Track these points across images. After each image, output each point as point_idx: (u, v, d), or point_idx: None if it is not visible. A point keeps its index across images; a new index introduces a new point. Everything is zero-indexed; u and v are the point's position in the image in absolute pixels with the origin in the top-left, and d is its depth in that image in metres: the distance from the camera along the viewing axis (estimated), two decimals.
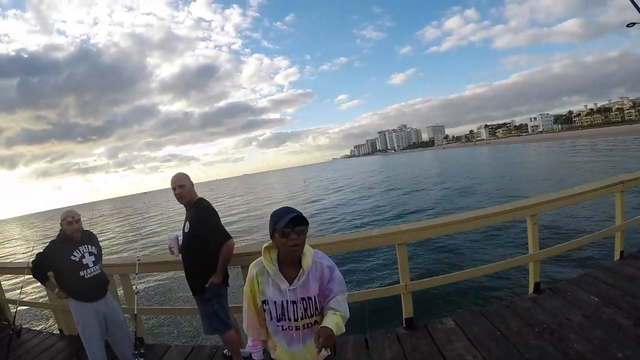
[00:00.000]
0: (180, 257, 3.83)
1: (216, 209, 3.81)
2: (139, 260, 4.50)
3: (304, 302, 2.09)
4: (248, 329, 2.26)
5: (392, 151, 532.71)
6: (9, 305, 6.05)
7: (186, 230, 3.69)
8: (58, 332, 5.38)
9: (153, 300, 10.15)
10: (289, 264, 2.10)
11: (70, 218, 3.86)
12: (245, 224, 24.97)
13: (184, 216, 3.84)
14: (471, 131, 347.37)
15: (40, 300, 8.07)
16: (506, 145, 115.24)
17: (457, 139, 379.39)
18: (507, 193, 21.14)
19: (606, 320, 3.58)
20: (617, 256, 5.03)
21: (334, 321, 2.00)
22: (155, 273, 11.37)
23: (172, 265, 4.33)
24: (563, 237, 9.40)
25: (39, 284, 4.11)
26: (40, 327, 8.33)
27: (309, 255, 2.13)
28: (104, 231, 36.35)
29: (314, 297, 2.11)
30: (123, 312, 4.38)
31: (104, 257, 4.30)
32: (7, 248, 39.53)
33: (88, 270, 3.85)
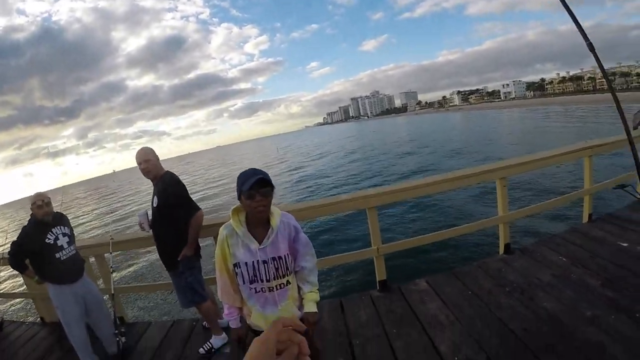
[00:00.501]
0: (151, 232, 3.79)
1: (184, 182, 3.76)
2: (112, 239, 4.47)
3: (275, 261, 2.12)
4: (222, 295, 2.25)
5: (365, 118, 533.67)
6: None
7: (155, 205, 3.64)
8: (40, 320, 5.30)
9: (130, 279, 10.09)
10: (258, 225, 2.13)
11: (39, 201, 3.77)
12: (223, 197, 24.75)
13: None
14: (444, 97, 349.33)
15: (18, 290, 7.97)
16: (479, 111, 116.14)
17: (430, 104, 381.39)
18: (479, 157, 21.48)
19: (575, 280, 3.68)
20: (585, 219, 5.15)
21: (313, 299, 2.24)
22: (131, 251, 11.25)
23: (145, 241, 4.24)
24: (533, 200, 9.63)
25: (14, 273, 3.98)
26: (21, 317, 8.09)
27: (276, 215, 2.16)
28: (80, 215, 35.52)
29: (284, 256, 2.15)
30: (101, 293, 4.35)
31: (79, 240, 4.26)
32: None
33: (63, 251, 3.80)
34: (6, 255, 3.84)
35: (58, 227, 3.86)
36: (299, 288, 2.29)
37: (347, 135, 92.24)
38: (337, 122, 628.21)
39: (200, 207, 3.77)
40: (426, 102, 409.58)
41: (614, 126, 28.78)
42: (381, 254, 4.31)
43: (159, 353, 3.93)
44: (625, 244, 4.23)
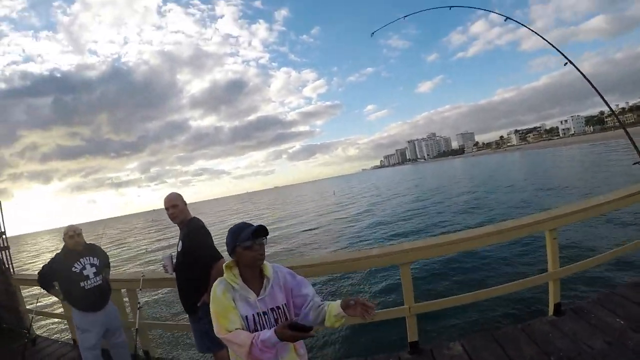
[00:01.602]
0: (174, 275, 3.84)
1: (209, 229, 3.78)
2: (143, 276, 4.63)
3: (274, 312, 2.13)
4: (239, 336, 1.95)
5: (422, 160, 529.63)
6: (28, 314, 6.31)
7: (179, 249, 3.71)
8: (72, 342, 5.56)
9: (159, 315, 10.16)
10: (252, 278, 2.16)
11: (71, 232, 4.16)
12: (271, 236, 24.71)
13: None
14: (501, 137, 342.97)
15: (57, 311, 8.09)
16: (537, 150, 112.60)
17: (487, 145, 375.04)
18: (534, 202, 20.28)
19: (632, 347, 3.20)
20: None
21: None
22: (163, 289, 11.34)
23: (175, 282, 4.18)
24: (586, 253, 8.69)
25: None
26: (55, 336, 8.38)
27: (269, 266, 2.23)
28: (131, 244, 37.00)
29: (282, 306, 2.16)
30: (128, 325, 4.69)
31: (115, 272, 4.66)
32: (39, 261, 40.07)
33: (89, 281, 4.08)
34: (37, 275, 4.22)
35: (87, 258, 4.20)
36: (318, 314, 2.19)
37: (403, 178, 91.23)
38: (394, 164, 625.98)
39: (222, 256, 3.69)
40: (483, 143, 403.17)
41: None
42: (413, 314, 3.98)
43: None
44: None
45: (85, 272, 4.08)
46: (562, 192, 21.40)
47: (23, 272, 5.51)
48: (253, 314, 2.07)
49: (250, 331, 2.02)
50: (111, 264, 4.68)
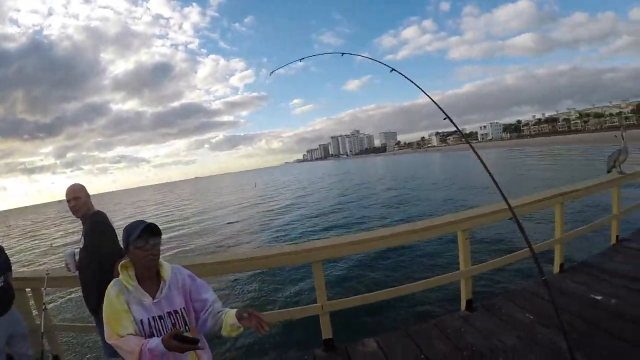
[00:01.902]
0: (77, 274, 3.56)
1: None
2: (47, 274, 4.16)
3: (171, 316, 2.02)
4: (127, 342, 1.87)
5: (345, 156, 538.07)
6: None
7: (81, 246, 3.46)
8: None
9: (70, 317, 9.39)
10: (148, 278, 2.05)
11: None
12: (192, 230, 24.12)
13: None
14: (422, 138, 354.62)
15: None
16: (457, 152, 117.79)
17: (408, 145, 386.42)
18: (452, 201, 20.98)
19: (541, 341, 3.27)
20: (556, 269, 4.82)
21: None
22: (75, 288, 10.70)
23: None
24: (500, 250, 9.05)
25: None
26: None
27: (166, 266, 2.12)
28: (44, 237, 34.70)
29: (180, 310, 2.05)
30: (34, 329, 4.22)
31: (15, 271, 4.21)
32: None
33: None
34: None
35: None
36: (216, 322, 2.07)
37: (326, 173, 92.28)
38: (316, 159, 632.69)
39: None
40: (405, 143, 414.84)
41: (587, 167, 29.04)
42: (326, 311, 3.87)
43: None
44: (598, 297, 3.86)
45: None
46: (483, 191, 22.25)
47: None
48: (148, 318, 1.96)
49: (146, 336, 1.92)
50: (25, 260, 4.23)
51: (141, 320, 1.95)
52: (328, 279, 3.96)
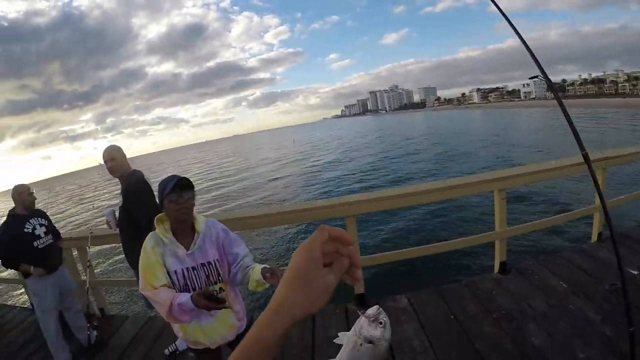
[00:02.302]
0: (118, 231, 3.70)
1: (150, 182, 3.58)
2: (91, 233, 4.44)
3: (205, 267, 2.08)
4: (159, 294, 1.95)
5: (383, 112, 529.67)
6: None
7: (120, 205, 3.56)
8: (30, 305, 5.19)
9: (113, 271, 10.00)
10: (183, 231, 2.10)
11: (30, 190, 3.94)
12: (234, 188, 24.52)
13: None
14: (463, 94, 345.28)
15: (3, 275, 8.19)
16: (498, 110, 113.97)
17: (448, 101, 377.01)
18: (495, 160, 20.51)
19: (573, 311, 3.23)
20: (594, 238, 4.65)
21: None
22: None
23: None
24: (537, 215, 8.83)
25: None
26: (10, 302, 8.19)
27: (201, 220, 2.16)
28: (89, 199, 36.16)
29: (214, 261, 2.11)
30: (81, 284, 4.49)
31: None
32: None
33: (40, 240, 3.83)
34: None
35: (35, 219, 3.89)
36: (245, 275, 2.11)
37: (364, 129, 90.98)
38: (354, 115, 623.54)
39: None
40: (445, 99, 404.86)
41: (636, 132, 27.64)
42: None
43: (128, 349, 3.89)
44: (635, 272, 3.70)
45: (36, 232, 3.83)
46: (529, 150, 21.58)
47: None
48: (182, 269, 2.03)
49: (180, 286, 2.03)
50: (73, 223, 4.43)
51: (175, 271, 2.03)
52: (360, 235, 3.97)
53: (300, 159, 37.71)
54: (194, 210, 2.15)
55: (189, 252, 2.04)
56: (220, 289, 2.11)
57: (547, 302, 3.39)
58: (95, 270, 4.57)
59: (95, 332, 4.01)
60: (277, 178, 25.48)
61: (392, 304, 3.76)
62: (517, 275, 3.98)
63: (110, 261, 10.98)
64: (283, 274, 1.73)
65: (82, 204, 34.61)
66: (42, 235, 3.87)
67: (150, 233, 2.12)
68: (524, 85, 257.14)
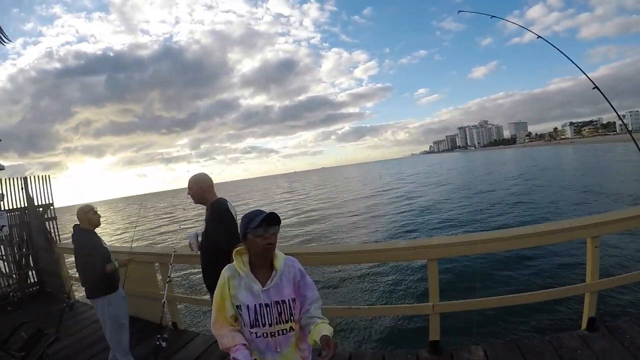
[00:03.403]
0: (199, 253, 3.80)
1: (234, 210, 3.68)
2: (175, 251, 4.70)
3: (278, 305, 2.04)
4: (224, 345, 2.03)
5: (472, 148, 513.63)
6: (69, 280, 6.81)
7: (203, 230, 3.70)
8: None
9: (188, 289, 10.46)
10: (262, 267, 2.09)
11: (95, 209, 4.07)
12: (315, 218, 24.99)
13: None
14: (555, 129, 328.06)
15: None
16: (592, 145, 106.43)
17: (540, 136, 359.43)
18: (585, 205, 18.64)
19: None
20: None
21: (328, 330, 1.94)
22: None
23: None
24: (630, 266, 8.04)
25: None
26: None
27: (280, 257, 2.12)
28: (176, 218, 38.23)
29: (288, 300, 2.06)
30: (158, 297, 4.76)
31: (148, 247, 4.66)
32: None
33: (112, 256, 4.01)
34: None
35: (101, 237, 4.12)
36: (307, 324, 2.07)
37: (451, 166, 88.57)
38: (443, 151, 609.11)
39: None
40: (536, 134, 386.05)
41: None
42: (437, 312, 3.74)
43: None
44: None
45: (110, 249, 4.05)
46: (623, 198, 19.50)
47: (68, 241, 5.90)
48: (255, 304, 2.02)
49: (250, 321, 2.02)
50: (159, 238, 4.72)
51: (247, 306, 2.01)
52: (440, 278, 3.80)
53: (385, 194, 37.34)
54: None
55: (264, 288, 2.03)
56: (291, 328, 2.07)
57: None
58: (174, 286, 4.83)
59: (164, 344, 4.10)
60: (359, 212, 25.43)
61: (467, 355, 3.54)
62: (606, 334, 3.56)
63: (186, 279, 11.49)
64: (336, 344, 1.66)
65: (171, 221, 36.65)
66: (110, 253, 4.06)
67: (228, 265, 2.14)
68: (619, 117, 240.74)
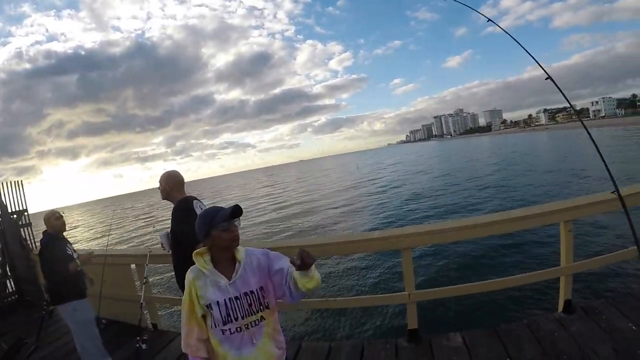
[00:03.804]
0: (171, 252, 3.72)
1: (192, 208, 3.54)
2: (150, 251, 4.63)
3: (247, 296, 2.03)
4: (186, 347, 2.10)
5: (449, 136, 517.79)
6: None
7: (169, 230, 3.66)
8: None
9: (170, 290, 10.30)
10: (223, 262, 2.07)
11: (58, 214, 3.98)
12: (294, 212, 24.99)
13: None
14: (530, 115, 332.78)
15: None
16: (566, 131, 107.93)
17: (515, 123, 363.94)
18: (560, 188, 19.04)
19: None
20: None
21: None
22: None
23: None
24: (609, 246, 8.22)
25: None
26: None
27: (241, 249, 2.12)
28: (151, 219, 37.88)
29: (256, 290, 2.06)
30: (135, 298, 4.69)
31: (122, 248, 4.59)
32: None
33: (77, 261, 3.90)
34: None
35: (67, 241, 4.06)
36: (293, 282, 2.02)
37: (428, 155, 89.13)
38: (419, 140, 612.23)
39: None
40: (511, 121, 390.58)
41: None
42: (413, 301, 3.71)
43: None
44: None
45: (74, 255, 3.96)
46: (598, 180, 19.75)
47: None
48: (225, 299, 1.99)
49: (222, 317, 1.99)
50: (135, 239, 4.66)
51: (217, 302, 1.99)
52: (415, 267, 3.79)
53: (362, 185, 37.63)
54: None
55: (231, 281, 2.01)
56: (262, 317, 2.07)
57: (612, 347, 3.02)
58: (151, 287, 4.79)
59: (144, 346, 4.04)
60: (335, 205, 25.43)
61: (445, 342, 3.54)
62: (582, 316, 3.57)
63: (164, 279, 11.40)
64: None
65: (148, 222, 35.88)
66: (75, 257, 3.96)
67: (191, 267, 2.11)
68: (592, 103, 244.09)
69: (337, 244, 4.04)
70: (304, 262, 1.84)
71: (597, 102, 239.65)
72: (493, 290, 4.08)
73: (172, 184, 3.64)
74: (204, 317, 2.06)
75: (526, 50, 2.78)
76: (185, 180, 3.72)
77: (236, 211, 1.99)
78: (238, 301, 2.01)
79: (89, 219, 64.39)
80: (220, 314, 1.99)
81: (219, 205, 2.11)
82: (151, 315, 5.11)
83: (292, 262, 1.91)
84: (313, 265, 1.91)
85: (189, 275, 2.08)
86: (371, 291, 8.02)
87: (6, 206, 7.34)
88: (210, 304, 2.00)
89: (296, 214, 24.13)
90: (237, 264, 2.06)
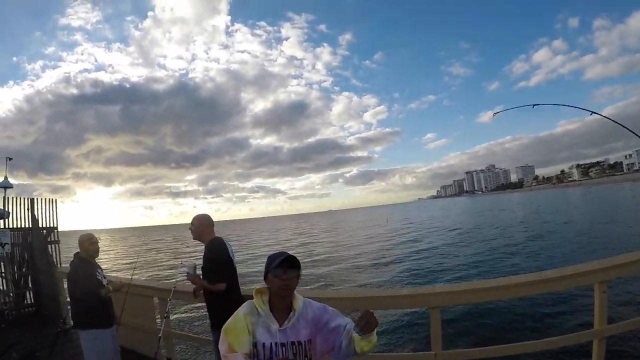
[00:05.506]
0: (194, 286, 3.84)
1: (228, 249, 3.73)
2: (175, 287, 4.57)
3: (294, 346, 2.01)
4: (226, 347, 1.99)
5: (480, 192, 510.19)
6: (66, 305, 6.43)
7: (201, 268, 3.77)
8: None
9: (186, 324, 10.19)
10: (280, 307, 2.08)
11: (94, 239, 3.97)
12: (319, 259, 24.76)
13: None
14: (562, 171, 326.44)
15: None
16: (598, 186, 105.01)
17: (547, 179, 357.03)
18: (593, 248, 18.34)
19: None
20: None
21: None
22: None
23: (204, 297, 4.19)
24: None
25: None
26: None
27: (300, 299, 2.14)
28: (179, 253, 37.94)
29: (304, 342, 2.03)
30: (154, 331, 4.64)
31: (148, 280, 4.59)
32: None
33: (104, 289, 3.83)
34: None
35: (98, 267, 4.02)
36: (348, 340, 1.97)
37: (459, 211, 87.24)
38: (450, 195, 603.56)
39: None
40: (543, 177, 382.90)
41: None
42: None
43: None
44: None
45: (104, 282, 3.92)
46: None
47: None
48: (271, 343, 1.98)
49: (264, 359, 1.96)
50: (160, 272, 4.67)
51: (264, 344, 1.97)
52: (443, 324, 3.66)
53: (391, 239, 36.67)
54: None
55: (281, 328, 2.01)
56: None
57: None
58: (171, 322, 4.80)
59: None
60: (365, 257, 24.90)
61: None
62: None
63: (187, 315, 11.10)
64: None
65: (174, 256, 35.43)
66: (105, 284, 3.89)
67: (248, 301, 2.13)
68: (626, 157, 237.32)
69: (365, 299, 3.93)
70: (369, 325, 1.82)
71: (630, 155, 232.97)
72: (521, 354, 3.88)
73: (205, 224, 3.82)
74: (247, 354, 1.99)
75: (633, 132, 2.67)
76: (215, 220, 3.90)
77: (287, 260, 2.03)
78: (284, 348, 1.98)
79: (116, 246, 63.38)
80: (264, 355, 1.97)
81: (284, 252, 2.12)
82: (167, 349, 5.04)
83: (355, 322, 1.88)
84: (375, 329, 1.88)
85: (244, 307, 2.08)
86: (393, 348, 7.75)
87: (38, 221, 7.50)
88: (256, 343, 1.99)
89: (321, 262, 23.95)
90: (292, 312, 2.06)
